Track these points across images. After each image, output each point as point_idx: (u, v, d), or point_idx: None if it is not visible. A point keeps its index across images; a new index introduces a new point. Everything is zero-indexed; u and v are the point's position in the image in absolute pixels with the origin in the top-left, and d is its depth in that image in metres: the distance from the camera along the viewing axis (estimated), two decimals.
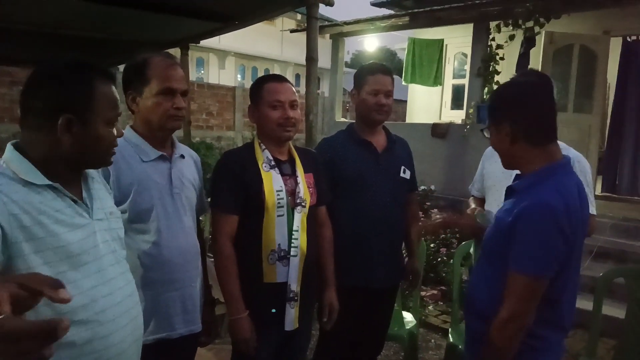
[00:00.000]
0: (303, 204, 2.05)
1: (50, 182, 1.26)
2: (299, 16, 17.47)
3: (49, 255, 1.22)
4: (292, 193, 2.04)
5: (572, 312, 1.67)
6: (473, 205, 2.68)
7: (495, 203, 2.50)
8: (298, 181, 2.07)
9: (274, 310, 2.00)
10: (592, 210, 2.37)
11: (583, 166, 2.39)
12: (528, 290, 1.51)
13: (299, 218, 2.03)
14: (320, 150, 2.49)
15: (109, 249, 1.39)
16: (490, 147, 2.53)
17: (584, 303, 3.93)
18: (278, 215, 1.99)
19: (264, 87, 2.07)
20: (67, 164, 1.32)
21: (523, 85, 1.68)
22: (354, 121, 2.60)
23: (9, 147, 1.29)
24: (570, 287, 1.63)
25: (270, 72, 20.37)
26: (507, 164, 1.74)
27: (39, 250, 1.21)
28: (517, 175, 1.77)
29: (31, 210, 1.21)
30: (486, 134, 1.75)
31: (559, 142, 1.70)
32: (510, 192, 1.70)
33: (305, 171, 2.13)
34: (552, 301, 1.57)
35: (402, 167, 2.52)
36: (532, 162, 1.62)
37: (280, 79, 2.12)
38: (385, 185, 2.44)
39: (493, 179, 2.56)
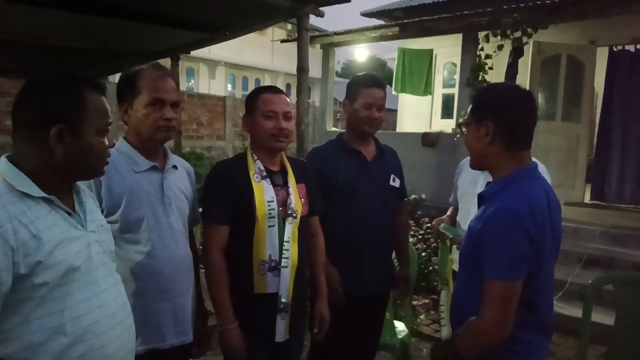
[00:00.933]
0: (294, 214, 2.05)
1: (45, 195, 1.27)
2: (289, 26, 17.56)
3: (44, 268, 1.22)
4: (284, 204, 2.04)
5: (551, 314, 1.69)
6: (448, 213, 2.74)
7: (464, 213, 2.54)
8: (290, 192, 2.07)
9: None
10: None
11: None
12: (505, 295, 1.52)
13: (290, 229, 2.03)
14: (310, 159, 2.49)
15: (101, 260, 1.40)
16: (464, 160, 2.57)
17: (574, 310, 3.97)
18: (269, 226, 1.99)
19: (260, 97, 2.08)
20: (60, 175, 1.33)
21: (511, 90, 1.72)
22: (344, 131, 2.61)
23: (3, 160, 1.30)
24: (546, 289, 1.65)
25: (261, 82, 20.49)
26: (477, 164, 1.76)
27: (36, 263, 1.21)
28: (488, 182, 1.77)
29: (27, 223, 1.22)
30: (463, 129, 1.75)
31: None
32: (480, 199, 1.72)
33: (297, 181, 2.13)
34: (530, 304, 1.58)
35: (392, 176, 2.54)
36: (504, 167, 1.65)
37: (276, 90, 2.14)
38: (376, 194, 2.45)
39: (462, 190, 2.64)
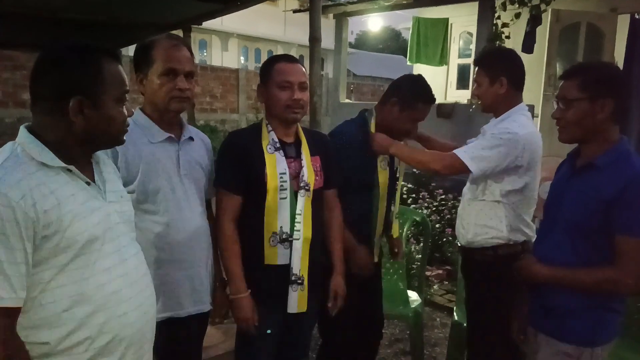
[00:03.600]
0: (307, 187, 2.03)
1: (64, 165, 1.29)
2: None
3: (64, 238, 1.25)
4: (296, 176, 2.03)
5: None
6: None
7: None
8: (303, 164, 2.05)
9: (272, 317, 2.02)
10: None
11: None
12: None
13: (303, 202, 2.01)
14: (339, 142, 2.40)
15: (122, 230, 1.42)
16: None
17: None
18: (281, 198, 1.98)
19: (275, 66, 2.03)
20: (80, 145, 1.34)
21: (617, 67, 1.92)
22: (367, 110, 2.51)
23: (22, 130, 1.31)
24: None
25: (274, 53, 20.32)
26: (575, 138, 1.80)
27: (56, 233, 1.24)
28: (569, 155, 1.88)
29: (48, 194, 1.24)
30: (560, 105, 1.80)
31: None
32: (586, 168, 1.77)
33: (312, 154, 2.10)
34: None
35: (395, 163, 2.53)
36: (608, 138, 1.74)
37: (291, 59, 2.08)
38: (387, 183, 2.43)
39: None
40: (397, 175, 2.54)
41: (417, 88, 2.41)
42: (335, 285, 2.20)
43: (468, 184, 2.39)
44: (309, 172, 2.04)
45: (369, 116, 2.46)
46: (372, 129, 2.41)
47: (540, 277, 1.83)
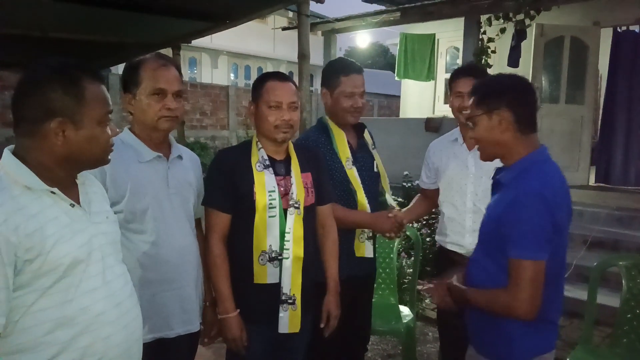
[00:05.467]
0: (296, 205, 2.01)
1: (48, 188, 1.27)
2: (290, 14, 17.42)
3: (47, 262, 1.23)
4: (286, 194, 2.01)
5: (561, 298, 1.76)
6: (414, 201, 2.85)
7: (457, 195, 2.50)
8: (292, 182, 2.03)
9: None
10: None
11: None
12: (535, 274, 1.56)
13: (292, 219, 2.00)
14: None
15: (107, 251, 1.40)
16: (438, 142, 2.60)
17: (579, 292, 3.98)
18: (270, 216, 1.97)
19: (265, 85, 2.02)
20: (64, 167, 1.33)
21: (516, 76, 1.75)
22: (322, 117, 2.52)
23: (6, 153, 1.30)
24: (564, 270, 1.73)
25: (264, 71, 20.42)
26: (490, 154, 1.76)
27: (39, 257, 1.22)
28: (498, 169, 1.81)
29: (30, 217, 1.22)
30: (469, 124, 1.77)
31: None
32: (497, 185, 1.75)
33: (303, 170, 2.09)
34: (556, 285, 1.66)
35: (375, 163, 2.53)
36: (518, 151, 1.68)
37: (283, 77, 2.07)
38: (364, 182, 2.41)
39: (452, 171, 2.56)
40: (376, 169, 2.52)
41: (332, 66, 2.47)
42: (328, 306, 2.17)
43: (482, 188, 2.37)
44: (298, 190, 2.03)
45: (326, 120, 2.48)
46: (334, 130, 2.42)
47: (454, 294, 1.80)
